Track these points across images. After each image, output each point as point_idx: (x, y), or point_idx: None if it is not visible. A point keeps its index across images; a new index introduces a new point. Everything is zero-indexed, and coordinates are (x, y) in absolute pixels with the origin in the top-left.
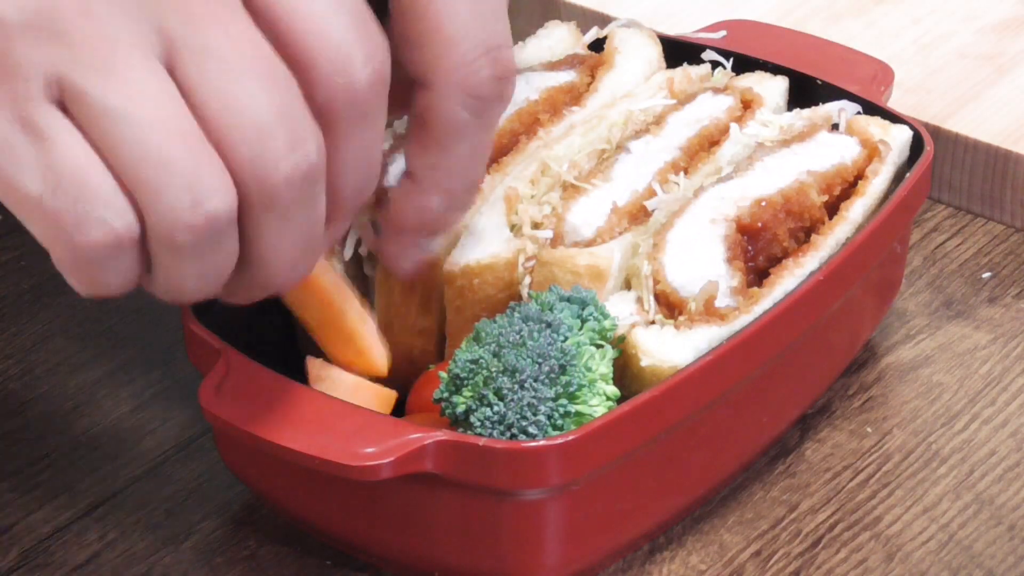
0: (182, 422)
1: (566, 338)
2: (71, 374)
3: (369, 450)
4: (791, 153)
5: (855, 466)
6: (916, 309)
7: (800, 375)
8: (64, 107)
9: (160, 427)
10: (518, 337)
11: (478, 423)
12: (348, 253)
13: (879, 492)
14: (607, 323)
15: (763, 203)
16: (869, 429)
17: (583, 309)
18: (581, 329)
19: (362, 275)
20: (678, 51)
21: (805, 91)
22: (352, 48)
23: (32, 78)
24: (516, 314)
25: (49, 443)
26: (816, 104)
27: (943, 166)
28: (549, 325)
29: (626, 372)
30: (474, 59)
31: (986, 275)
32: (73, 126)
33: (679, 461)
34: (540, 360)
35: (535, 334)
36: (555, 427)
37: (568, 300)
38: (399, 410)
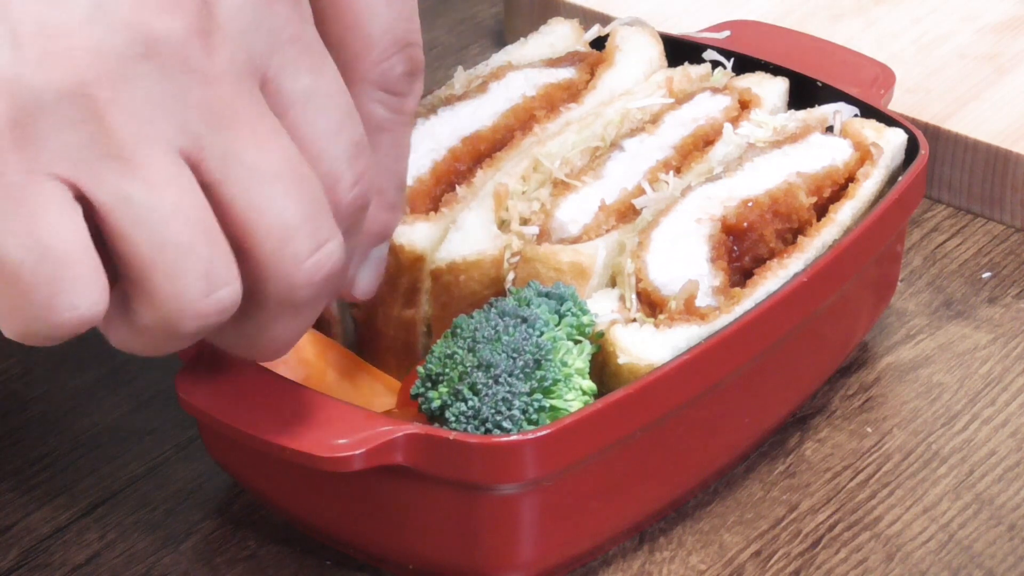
0: (182, 422)
1: (542, 333)
2: (71, 374)
3: (340, 442)
4: (782, 154)
5: (855, 466)
6: (916, 309)
7: (784, 376)
8: (75, 189)
9: (160, 427)
10: (493, 332)
11: (453, 418)
12: None
13: (879, 492)
14: (585, 319)
15: (750, 203)
16: (869, 429)
17: (561, 305)
18: (559, 324)
19: None
20: (680, 50)
21: (806, 93)
22: (343, 171)
23: (45, 152)
24: (493, 309)
25: (49, 443)
26: (817, 106)
27: (943, 166)
28: (525, 320)
29: (605, 370)
30: (390, 56)
31: (986, 275)
32: (71, 207)
33: (655, 460)
34: (515, 355)
35: (510, 329)
36: (530, 422)
37: (546, 296)
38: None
